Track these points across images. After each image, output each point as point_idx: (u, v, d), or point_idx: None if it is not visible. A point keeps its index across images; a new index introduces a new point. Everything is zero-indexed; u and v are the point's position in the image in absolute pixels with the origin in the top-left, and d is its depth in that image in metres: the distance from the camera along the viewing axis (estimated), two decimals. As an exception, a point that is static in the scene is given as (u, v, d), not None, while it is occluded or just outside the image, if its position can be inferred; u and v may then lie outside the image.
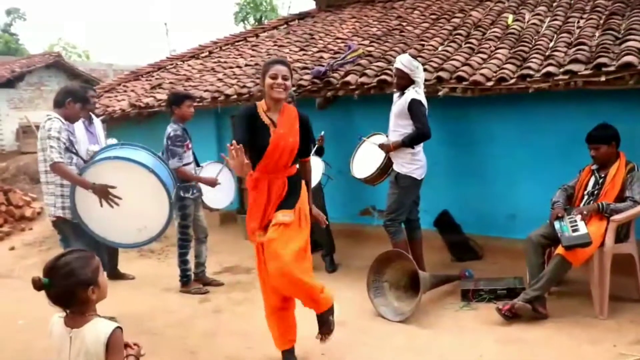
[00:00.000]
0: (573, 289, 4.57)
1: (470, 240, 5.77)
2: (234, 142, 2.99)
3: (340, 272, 5.64)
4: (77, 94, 4.31)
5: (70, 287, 2.07)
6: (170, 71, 9.76)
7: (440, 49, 6.31)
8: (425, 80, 5.21)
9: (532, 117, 5.42)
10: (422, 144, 4.87)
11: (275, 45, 8.91)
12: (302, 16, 10.61)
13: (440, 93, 5.32)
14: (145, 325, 4.49)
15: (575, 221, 4.09)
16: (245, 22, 24.97)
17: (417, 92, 4.74)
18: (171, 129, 5.05)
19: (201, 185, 5.25)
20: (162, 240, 5.83)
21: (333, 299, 3.54)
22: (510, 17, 6.74)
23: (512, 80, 4.98)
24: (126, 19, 73.27)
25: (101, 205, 3.92)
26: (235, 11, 25.35)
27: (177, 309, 4.87)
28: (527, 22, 6.49)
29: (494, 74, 5.13)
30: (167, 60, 10.64)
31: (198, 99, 6.88)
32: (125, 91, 9.51)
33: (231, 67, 8.41)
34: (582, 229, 4.01)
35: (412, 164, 4.83)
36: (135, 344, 2.21)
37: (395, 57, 5.15)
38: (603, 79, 4.50)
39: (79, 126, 4.95)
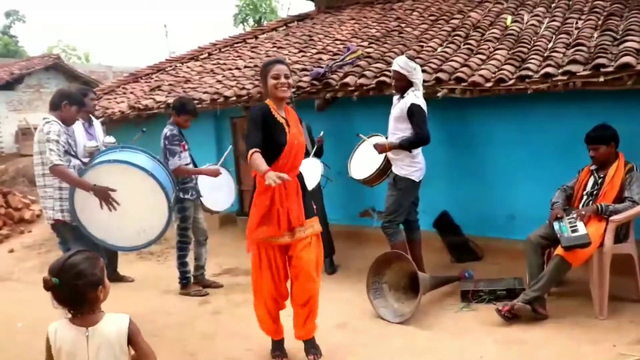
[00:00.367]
0: (573, 290, 4.57)
1: (469, 241, 5.77)
2: (282, 175, 2.97)
3: (340, 274, 5.64)
4: (73, 97, 4.29)
5: (81, 287, 2.12)
6: (170, 73, 9.77)
7: (439, 50, 6.32)
8: (425, 81, 5.21)
9: (531, 117, 5.42)
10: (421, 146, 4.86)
11: (274, 46, 8.92)
12: (301, 18, 10.63)
13: (439, 94, 5.32)
14: (144, 327, 4.43)
15: (575, 222, 4.10)
16: (245, 23, 25.03)
17: (416, 96, 4.73)
18: (167, 129, 5.06)
19: (201, 187, 5.24)
20: (162, 242, 5.83)
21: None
22: (509, 18, 6.74)
23: (511, 81, 4.98)
24: (125, 21, 73.32)
25: (101, 208, 3.92)
26: (234, 13, 25.41)
27: (176, 311, 4.87)
28: (526, 23, 6.50)
29: (493, 75, 5.13)
30: (166, 62, 10.66)
31: (197, 101, 6.87)
32: (124, 93, 9.52)
33: (230, 69, 8.42)
34: (582, 229, 4.01)
35: (411, 166, 4.83)
36: None
37: (394, 59, 5.16)
38: (601, 79, 4.51)
39: (78, 128, 4.96)
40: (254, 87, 6.81)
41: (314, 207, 3.68)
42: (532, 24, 6.32)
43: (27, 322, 4.65)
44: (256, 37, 10.29)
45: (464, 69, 5.37)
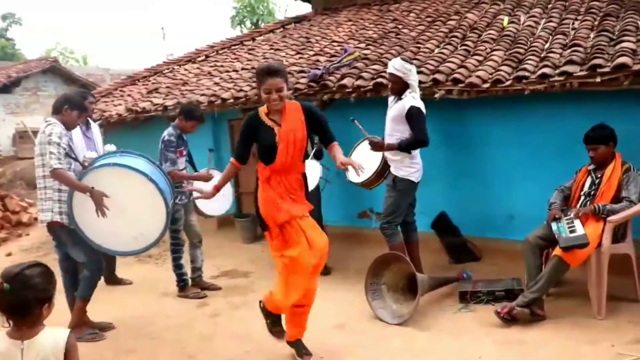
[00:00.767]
0: (571, 290, 4.57)
1: (468, 242, 5.77)
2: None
3: (338, 275, 5.63)
4: (75, 102, 4.31)
5: (29, 300, 2.07)
6: (167, 75, 9.77)
7: (436, 51, 6.33)
8: (422, 82, 5.22)
9: (529, 118, 5.43)
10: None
11: (271, 48, 8.93)
12: (298, 20, 10.64)
13: (436, 95, 5.33)
14: (143, 330, 4.48)
15: (573, 222, 4.10)
16: (242, 25, 25.02)
17: (414, 98, 4.73)
18: (167, 133, 5.06)
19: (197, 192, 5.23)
20: (160, 245, 5.82)
21: None
22: (506, 19, 6.76)
23: (508, 82, 4.99)
24: (123, 23, 73.31)
25: (98, 215, 3.91)
26: (231, 15, 25.41)
27: (175, 313, 4.86)
28: (523, 24, 6.51)
29: (490, 76, 5.14)
30: (163, 65, 10.66)
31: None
32: (122, 96, 9.52)
33: (228, 71, 8.42)
34: (579, 229, 4.01)
35: (410, 167, 4.83)
36: None
37: (391, 60, 5.15)
38: (598, 80, 4.52)
39: (76, 131, 4.94)
40: (251, 89, 6.81)
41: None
42: (529, 25, 6.33)
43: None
44: (253, 39, 10.30)
45: (461, 70, 5.38)
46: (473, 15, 7.33)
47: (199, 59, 10.20)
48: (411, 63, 4.91)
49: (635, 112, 4.82)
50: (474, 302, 4.51)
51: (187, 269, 5.38)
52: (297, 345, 3.71)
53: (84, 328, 4.33)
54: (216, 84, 7.84)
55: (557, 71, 4.77)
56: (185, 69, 9.72)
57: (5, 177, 13.75)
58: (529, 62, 5.11)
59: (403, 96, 4.76)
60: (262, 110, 3.54)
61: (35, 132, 4.34)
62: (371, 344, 3.93)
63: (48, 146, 3.95)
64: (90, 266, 4.24)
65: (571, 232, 4.01)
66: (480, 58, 5.67)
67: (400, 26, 7.92)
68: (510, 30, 6.29)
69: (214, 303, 5.06)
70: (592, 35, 5.41)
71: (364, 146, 5.26)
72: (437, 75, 5.40)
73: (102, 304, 4.68)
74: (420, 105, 4.74)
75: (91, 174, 4.00)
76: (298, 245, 3.43)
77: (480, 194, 5.82)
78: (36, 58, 23.42)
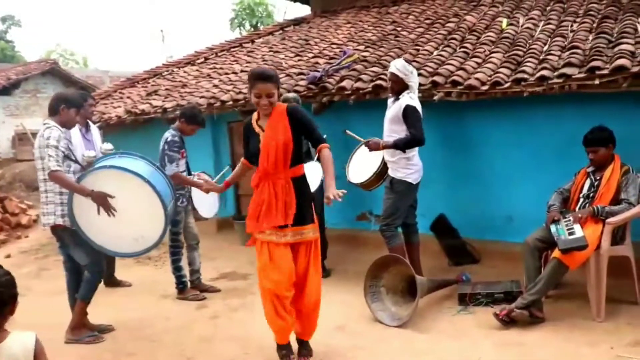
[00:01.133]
0: (570, 292, 4.58)
1: (467, 244, 5.77)
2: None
3: (338, 277, 5.63)
4: (70, 100, 4.29)
5: (5, 298, 2.08)
6: (166, 78, 9.78)
7: (435, 53, 6.34)
8: (421, 84, 5.22)
9: (527, 120, 5.44)
10: (416, 149, 4.86)
11: (270, 51, 8.94)
12: (297, 22, 10.65)
13: (435, 97, 5.33)
14: (142, 332, 4.48)
15: (571, 224, 4.11)
16: (241, 28, 25.05)
17: (411, 98, 4.74)
18: (169, 134, 5.07)
19: (193, 194, 5.26)
20: (159, 247, 5.82)
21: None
22: (505, 21, 6.77)
23: (507, 84, 5.00)
24: (122, 25, 73.35)
25: (98, 213, 3.92)
26: (231, 17, 25.44)
27: (174, 315, 4.86)
28: (521, 26, 6.52)
29: (489, 78, 5.15)
30: (163, 67, 10.67)
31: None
32: (121, 98, 9.52)
33: (227, 73, 8.43)
34: (578, 232, 4.01)
35: (407, 168, 4.83)
36: None
37: (390, 62, 5.16)
38: (597, 82, 4.53)
39: (75, 133, 4.95)
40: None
41: (313, 213, 3.70)
42: (528, 27, 6.34)
43: (23, 328, 4.63)
44: (253, 42, 10.31)
45: (460, 72, 5.39)
46: (472, 18, 7.34)
47: (198, 61, 10.22)
48: (413, 66, 4.92)
49: (633, 114, 4.82)
50: (473, 305, 4.51)
51: (186, 271, 5.38)
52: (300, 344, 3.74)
53: (83, 330, 4.33)
54: (215, 86, 7.85)
55: (556, 73, 4.77)
56: (185, 71, 9.73)
57: (5, 179, 13.74)
58: (527, 64, 5.12)
59: (401, 96, 4.77)
60: (254, 115, 3.65)
61: (34, 134, 4.34)
62: (370, 346, 3.93)
63: (46, 149, 3.96)
64: (91, 268, 4.25)
65: (570, 234, 4.01)
66: (479, 60, 5.68)
67: (399, 28, 7.93)
68: (509, 33, 6.30)
69: (213, 305, 5.06)
70: (590, 38, 5.42)
71: (363, 149, 5.28)
72: (436, 78, 5.41)
73: (101, 306, 4.68)
74: (417, 104, 4.75)
75: (89, 176, 4.00)
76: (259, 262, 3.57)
77: (479, 196, 5.82)
78: (36, 60, 23.43)
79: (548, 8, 6.90)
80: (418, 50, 6.58)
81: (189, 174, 5.33)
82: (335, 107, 6.36)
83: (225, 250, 7.05)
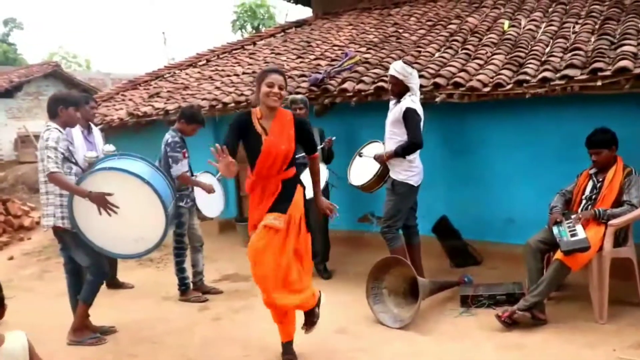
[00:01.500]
0: (572, 294, 4.57)
1: (469, 246, 5.77)
2: (217, 145, 3.09)
3: (339, 279, 5.63)
4: (67, 99, 4.27)
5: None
6: (168, 80, 9.78)
7: (437, 55, 6.33)
8: (423, 86, 5.22)
9: (529, 122, 5.43)
10: (418, 151, 4.87)
11: (272, 53, 8.94)
12: (299, 24, 10.65)
13: (437, 99, 5.33)
14: (144, 334, 4.48)
15: (574, 226, 4.10)
16: (243, 30, 25.06)
17: (412, 101, 4.74)
18: (170, 135, 5.07)
19: (196, 194, 5.26)
20: (161, 249, 5.84)
21: (317, 293, 3.69)
22: (507, 23, 6.76)
23: (509, 86, 4.99)
24: (123, 28, 73.50)
25: (100, 214, 3.92)
26: (232, 19, 25.45)
27: (176, 317, 4.86)
28: (523, 27, 6.52)
29: (491, 80, 5.15)
30: (165, 69, 10.67)
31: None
32: (123, 100, 9.53)
33: (229, 75, 8.43)
34: (581, 233, 4.01)
35: (409, 170, 4.83)
36: None
37: (391, 64, 5.15)
38: (599, 83, 4.52)
39: (77, 135, 4.95)
40: (252, 94, 6.82)
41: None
42: (530, 29, 6.34)
43: (26, 329, 4.63)
44: (254, 44, 10.32)
45: (462, 74, 5.39)
46: (474, 19, 7.34)
47: (200, 63, 10.22)
48: (412, 67, 4.92)
49: (636, 116, 4.82)
50: (475, 306, 4.51)
51: (189, 272, 5.38)
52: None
53: (86, 332, 4.34)
54: (217, 88, 7.86)
55: (558, 75, 4.77)
56: (187, 73, 9.74)
57: (7, 181, 13.75)
58: (529, 66, 5.11)
59: (402, 99, 4.77)
60: (255, 113, 3.51)
61: (36, 137, 4.34)
62: (372, 348, 3.93)
63: (45, 151, 3.97)
64: (93, 270, 4.25)
65: (572, 235, 4.01)
66: (481, 62, 5.68)
67: (401, 30, 7.93)
68: (511, 34, 6.29)
69: (215, 307, 5.06)
70: (592, 39, 5.42)
71: (365, 154, 5.29)
72: (437, 79, 5.41)
73: (103, 308, 4.69)
74: (418, 108, 4.74)
75: (89, 178, 4.01)
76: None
77: (480, 198, 5.82)
78: (38, 63, 23.48)
79: (550, 9, 6.90)
80: (420, 52, 6.58)
81: (192, 174, 5.34)
82: (337, 109, 6.36)
83: (228, 251, 7.05)
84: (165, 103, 8.07)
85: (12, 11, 73.37)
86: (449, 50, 6.35)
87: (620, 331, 3.88)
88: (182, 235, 5.24)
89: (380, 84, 5.73)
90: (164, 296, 5.46)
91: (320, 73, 6.47)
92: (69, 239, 4.23)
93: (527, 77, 4.91)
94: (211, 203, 5.47)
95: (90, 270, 4.26)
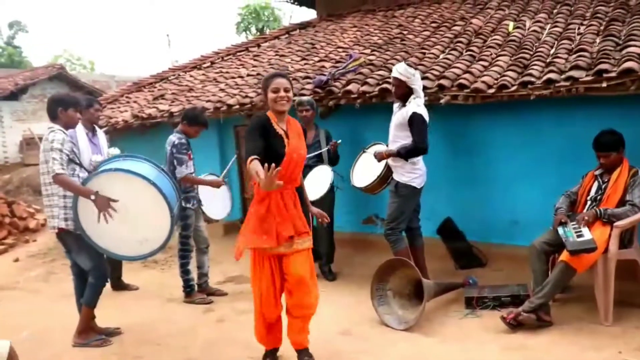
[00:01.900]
0: (577, 295, 4.55)
1: (473, 248, 5.76)
2: (265, 165, 2.93)
3: (344, 280, 5.63)
4: (66, 100, 4.26)
5: None
6: (173, 82, 9.81)
7: (441, 57, 6.33)
8: (427, 88, 5.22)
9: (534, 123, 5.42)
10: (421, 154, 4.87)
11: (276, 55, 8.96)
12: (303, 26, 10.66)
13: (441, 101, 5.33)
14: (149, 335, 4.49)
15: (579, 227, 4.09)
16: (247, 32, 25.10)
17: (418, 105, 4.74)
18: (175, 137, 5.07)
19: (201, 196, 5.27)
20: (166, 250, 5.85)
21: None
22: (511, 24, 6.76)
23: (514, 88, 4.99)
24: (128, 30, 73.74)
25: (98, 221, 3.92)
26: (237, 21, 25.49)
27: (180, 319, 4.86)
28: (528, 29, 6.51)
29: (495, 81, 5.14)
30: (169, 71, 10.70)
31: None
32: (128, 102, 9.56)
33: (233, 77, 8.45)
34: (587, 234, 4.00)
35: (412, 172, 4.83)
36: None
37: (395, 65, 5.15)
38: (604, 85, 4.51)
39: (82, 138, 4.96)
40: (256, 95, 6.84)
41: (311, 220, 3.73)
42: (534, 30, 6.33)
43: (32, 331, 4.66)
44: (259, 46, 10.33)
45: (467, 75, 5.38)
46: (478, 21, 7.33)
47: (205, 65, 10.24)
48: (416, 69, 4.92)
49: (641, 117, 4.81)
50: (480, 308, 4.50)
51: (194, 274, 5.39)
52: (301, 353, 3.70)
53: (91, 334, 4.35)
54: (222, 90, 7.87)
55: (563, 76, 4.76)
56: (191, 75, 9.76)
57: (13, 183, 13.82)
58: (534, 67, 5.11)
59: (407, 102, 4.77)
60: (271, 116, 3.46)
61: (41, 139, 4.34)
62: (377, 349, 3.92)
63: (50, 152, 3.97)
64: (94, 273, 4.25)
65: (579, 236, 4.00)
66: (486, 63, 5.67)
67: (405, 32, 7.93)
68: (515, 36, 6.29)
69: (220, 309, 5.06)
70: (598, 40, 5.40)
71: (367, 154, 5.29)
72: (442, 81, 5.41)
73: (108, 310, 4.70)
74: (424, 112, 4.74)
75: (94, 179, 4.01)
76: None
77: (485, 199, 5.81)
78: (43, 65, 23.58)
79: (555, 11, 6.89)
80: (424, 53, 6.57)
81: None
82: (342, 111, 6.36)
83: (232, 253, 6.95)
84: (170, 105, 8.09)
85: (17, 14, 73.66)
86: (453, 52, 6.35)
87: (625, 333, 3.86)
88: (188, 237, 5.25)
89: (384, 85, 5.72)
90: (168, 298, 5.46)
91: (324, 75, 6.48)
92: (72, 241, 4.24)
93: (532, 79, 4.90)
94: (218, 205, 5.47)
95: (91, 274, 4.26)
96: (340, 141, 5.68)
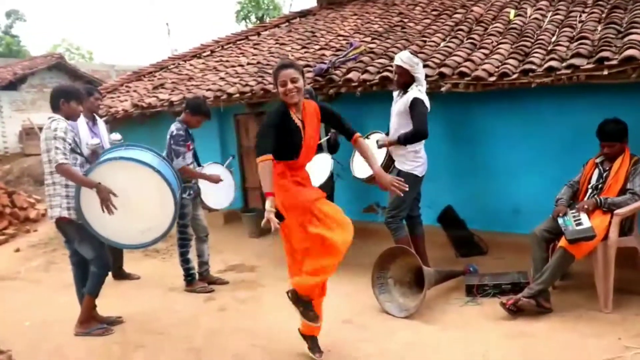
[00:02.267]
0: (577, 283, 4.57)
1: (474, 236, 5.77)
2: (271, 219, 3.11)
3: (344, 269, 5.58)
4: (69, 92, 4.26)
5: None
6: (173, 71, 9.78)
7: (442, 45, 6.31)
8: (428, 76, 5.20)
9: (535, 111, 5.41)
10: (423, 142, 4.86)
11: (276, 43, 8.92)
12: (303, 14, 10.62)
13: (442, 89, 5.31)
14: (150, 325, 4.51)
15: (578, 215, 4.10)
16: (247, 20, 24.96)
17: (419, 91, 4.73)
18: (174, 127, 5.07)
19: (202, 186, 5.28)
20: (167, 239, 5.87)
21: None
22: (512, 12, 6.72)
23: (515, 75, 4.97)
24: (127, 19, 73.36)
25: (103, 212, 3.92)
26: (236, 10, 25.35)
27: (182, 308, 4.89)
28: (529, 16, 6.48)
29: (496, 69, 5.12)
30: (169, 60, 10.68)
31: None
32: (127, 91, 9.54)
33: (233, 66, 8.42)
34: (586, 222, 4.01)
35: (414, 161, 4.83)
36: None
37: (397, 54, 5.12)
38: (605, 72, 4.49)
39: (82, 127, 4.96)
40: (257, 84, 6.81)
41: None
42: (536, 18, 6.30)
43: (34, 321, 4.68)
44: (259, 34, 10.30)
45: (467, 63, 5.36)
46: (479, 9, 7.29)
47: (205, 54, 10.21)
48: (419, 57, 4.90)
49: (642, 105, 4.79)
50: (480, 296, 4.52)
51: (194, 263, 5.41)
52: (313, 340, 3.72)
53: (93, 323, 4.37)
54: (222, 79, 7.85)
55: (564, 64, 4.74)
56: (191, 64, 9.73)
57: (13, 173, 13.83)
58: (535, 55, 5.08)
59: (409, 89, 4.76)
60: (289, 106, 3.45)
61: (41, 129, 4.32)
62: (378, 337, 3.94)
63: (53, 141, 3.96)
64: (97, 263, 4.26)
65: (577, 225, 4.01)
66: (487, 51, 5.65)
67: (406, 20, 7.90)
68: (516, 24, 6.26)
69: (221, 297, 5.08)
70: (599, 28, 5.38)
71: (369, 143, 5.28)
72: (443, 69, 5.39)
73: (110, 299, 4.71)
74: (425, 98, 4.74)
75: (98, 169, 4.01)
76: (330, 227, 3.46)
77: (486, 188, 5.81)
78: (42, 55, 23.49)
79: (556, -2, 6.85)
80: (425, 41, 6.55)
81: (198, 165, 5.35)
82: (342, 99, 6.34)
83: (233, 242, 7.07)
84: (170, 94, 8.07)
85: (14, 3, 73.22)
86: (454, 40, 6.32)
87: (625, 320, 3.88)
88: (186, 226, 5.26)
89: (385, 73, 5.71)
90: (170, 287, 5.48)
91: (325, 63, 6.46)
92: (74, 231, 4.24)
93: (533, 67, 4.88)
94: (220, 194, 5.48)
95: (94, 263, 4.27)
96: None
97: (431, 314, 4.30)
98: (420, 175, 4.90)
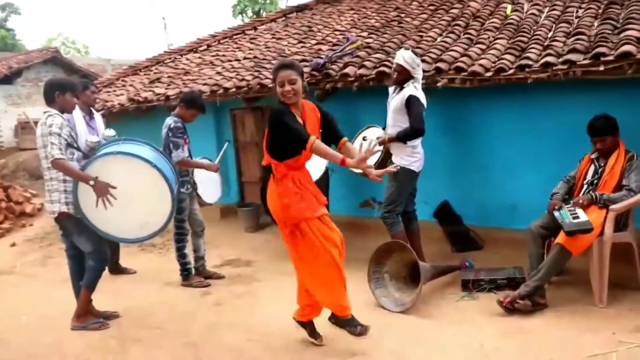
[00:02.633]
0: (572, 279, 4.59)
1: (470, 231, 5.78)
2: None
3: (341, 264, 5.64)
4: (63, 85, 4.23)
5: None
6: (169, 65, 9.76)
7: (438, 39, 6.30)
8: (424, 71, 5.20)
9: (531, 107, 5.42)
10: (421, 138, 4.86)
11: (273, 38, 8.90)
12: (300, 8, 10.59)
13: (439, 84, 5.31)
14: (147, 319, 4.51)
15: (574, 209, 4.11)
16: (243, 15, 24.87)
17: (415, 88, 4.74)
18: (172, 120, 5.06)
19: (196, 179, 5.28)
20: (163, 234, 5.86)
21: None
22: (509, 7, 6.72)
23: (511, 71, 4.97)
24: (124, 13, 73.02)
25: (96, 205, 3.91)
26: (233, 4, 25.25)
27: (178, 302, 4.89)
28: (526, 12, 6.48)
29: (493, 65, 5.12)
30: (165, 55, 10.65)
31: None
32: (123, 86, 9.52)
33: (230, 61, 8.40)
34: (582, 216, 4.03)
35: (411, 156, 4.84)
36: None
37: (394, 49, 5.14)
38: (602, 68, 4.50)
39: (79, 121, 4.95)
40: (253, 79, 6.80)
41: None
42: (532, 13, 6.30)
43: (30, 316, 4.68)
44: (255, 29, 10.27)
45: (464, 58, 5.36)
46: (476, 4, 7.29)
47: (201, 48, 10.18)
48: (418, 56, 4.90)
49: (639, 101, 4.80)
50: (476, 291, 4.53)
51: (190, 258, 5.41)
52: (311, 326, 3.80)
53: (89, 317, 4.37)
54: (218, 73, 7.84)
55: (561, 60, 4.75)
56: (187, 59, 9.71)
57: (8, 168, 13.79)
58: (532, 50, 5.09)
59: (405, 85, 4.76)
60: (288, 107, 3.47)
61: (37, 123, 4.30)
62: (374, 332, 3.93)
63: (49, 137, 3.93)
64: (95, 256, 4.26)
65: (574, 218, 4.02)
66: (483, 47, 5.65)
67: (402, 14, 7.89)
68: (513, 19, 6.26)
69: (217, 292, 5.08)
70: (596, 24, 5.38)
71: (362, 139, 5.28)
72: (439, 64, 5.39)
73: (106, 293, 4.71)
74: (420, 95, 4.75)
75: (95, 163, 4.00)
76: (332, 242, 3.67)
77: (482, 183, 5.82)
78: (37, 48, 23.38)
79: (553, -7, 6.84)
80: (422, 36, 6.54)
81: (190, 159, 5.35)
82: (339, 94, 6.34)
83: (229, 237, 7.07)
84: (166, 88, 8.05)
85: (11, -4, 72.71)
86: (451, 35, 6.32)
87: (620, 315, 3.90)
88: (183, 221, 5.25)
89: (382, 68, 5.70)
90: (166, 281, 5.48)
91: (321, 58, 6.45)
92: (72, 225, 4.22)
93: (530, 62, 4.89)
94: (209, 189, 5.49)
95: (91, 257, 4.26)
96: None
97: (427, 308, 4.31)
98: (417, 171, 4.91)
